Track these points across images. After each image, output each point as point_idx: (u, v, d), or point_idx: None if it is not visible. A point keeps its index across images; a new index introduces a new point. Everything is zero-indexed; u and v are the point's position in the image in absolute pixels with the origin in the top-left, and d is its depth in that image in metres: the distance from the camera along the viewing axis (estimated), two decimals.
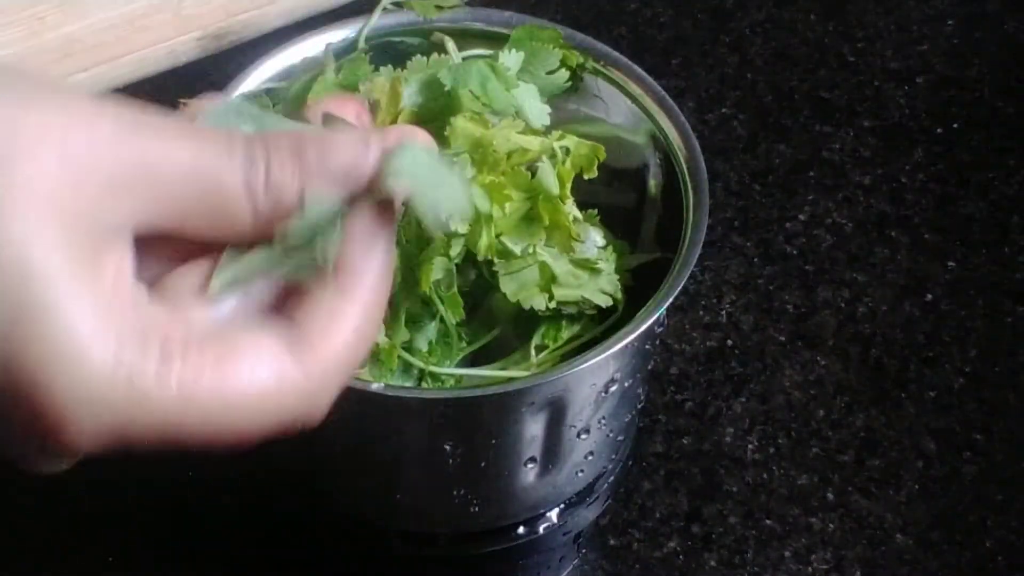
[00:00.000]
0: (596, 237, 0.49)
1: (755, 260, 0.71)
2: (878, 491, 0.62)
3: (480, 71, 0.47)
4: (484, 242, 0.45)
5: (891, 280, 0.70)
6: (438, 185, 0.32)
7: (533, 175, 0.46)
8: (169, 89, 0.75)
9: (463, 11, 0.54)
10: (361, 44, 0.52)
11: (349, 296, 0.30)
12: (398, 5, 0.53)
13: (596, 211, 0.52)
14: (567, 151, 0.48)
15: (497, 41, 0.53)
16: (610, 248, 0.49)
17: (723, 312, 0.69)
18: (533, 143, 0.46)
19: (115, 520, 0.59)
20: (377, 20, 0.53)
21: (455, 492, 0.48)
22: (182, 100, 0.46)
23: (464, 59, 0.49)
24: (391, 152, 0.31)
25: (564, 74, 0.51)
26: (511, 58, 0.49)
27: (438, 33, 0.52)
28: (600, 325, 0.49)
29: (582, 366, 0.43)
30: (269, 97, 0.50)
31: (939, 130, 0.78)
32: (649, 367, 0.51)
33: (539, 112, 0.48)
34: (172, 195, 0.29)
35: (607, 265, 0.48)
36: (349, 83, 0.48)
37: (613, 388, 0.47)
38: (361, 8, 0.54)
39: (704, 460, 0.62)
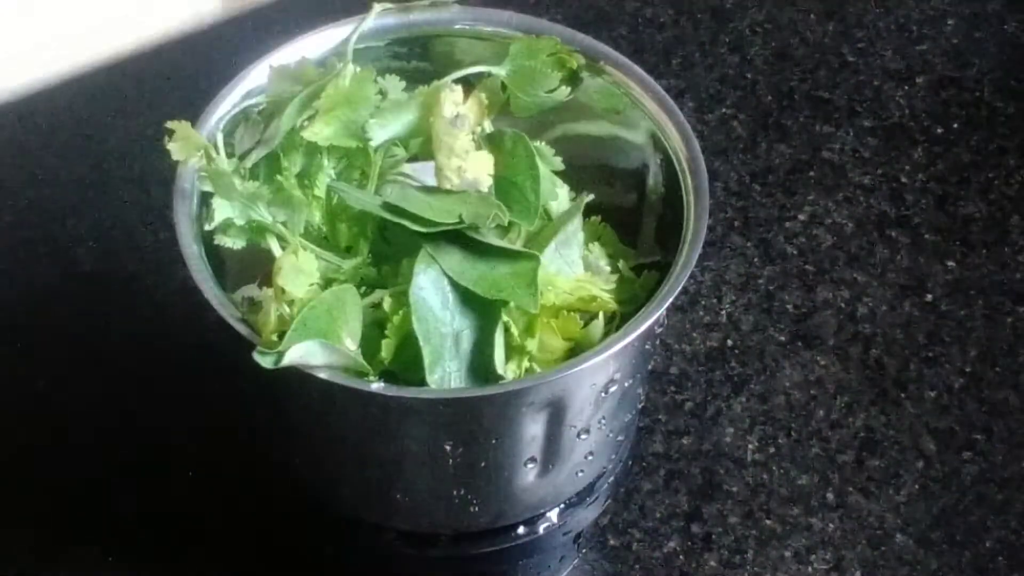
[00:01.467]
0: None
1: (755, 260, 0.71)
2: (878, 491, 0.62)
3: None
4: (513, 365, 0.46)
5: (891, 280, 0.70)
6: None
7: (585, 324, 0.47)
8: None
9: (462, 11, 0.54)
10: (351, 49, 0.51)
11: None
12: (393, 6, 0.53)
13: (603, 221, 0.52)
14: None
15: (495, 43, 0.53)
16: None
17: (723, 312, 0.69)
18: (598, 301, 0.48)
19: (115, 520, 0.59)
20: (370, 23, 0.53)
21: (455, 492, 0.48)
22: (167, 125, 0.46)
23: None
24: None
25: (564, 90, 0.51)
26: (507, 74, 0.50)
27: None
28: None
29: (582, 366, 0.43)
30: (246, 114, 0.50)
31: (939, 130, 0.78)
32: (649, 367, 0.51)
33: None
34: None
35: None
36: (356, 94, 0.48)
37: (613, 388, 0.47)
38: (349, 9, 0.53)
39: (704, 460, 0.62)
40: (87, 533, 0.59)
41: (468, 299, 0.45)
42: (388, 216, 0.46)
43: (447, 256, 0.45)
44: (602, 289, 0.48)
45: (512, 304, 0.46)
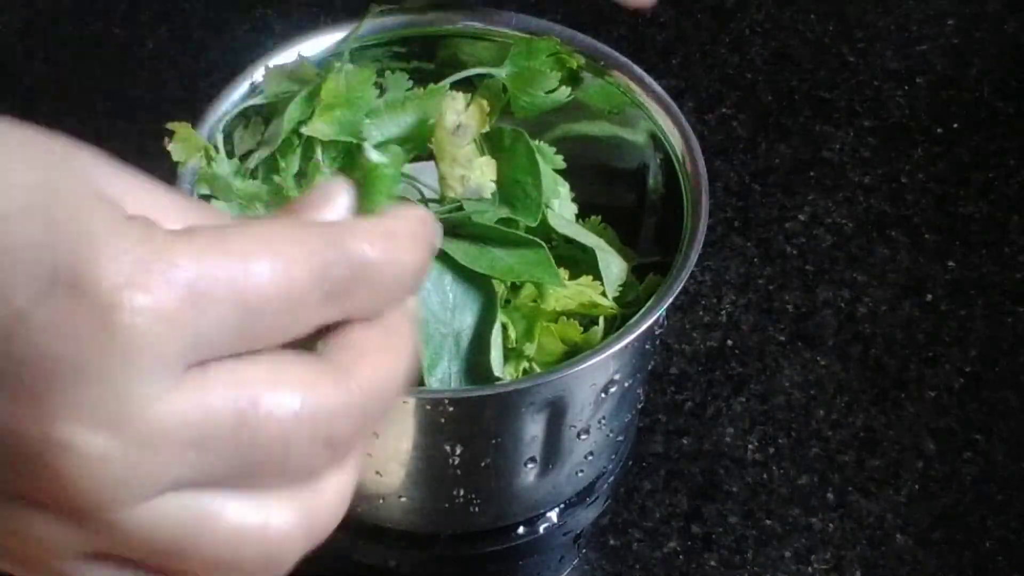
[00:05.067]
0: None
1: (755, 260, 0.71)
2: (878, 491, 0.62)
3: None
4: (511, 368, 0.46)
5: (891, 280, 0.70)
6: None
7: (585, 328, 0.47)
8: None
9: (462, 12, 0.54)
10: (348, 48, 0.51)
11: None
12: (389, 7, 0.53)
13: (600, 219, 0.52)
14: None
15: (496, 43, 0.53)
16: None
17: (723, 312, 0.69)
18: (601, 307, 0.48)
19: None
20: (369, 23, 0.52)
21: (455, 492, 0.48)
22: (167, 125, 0.46)
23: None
24: None
25: (565, 90, 0.51)
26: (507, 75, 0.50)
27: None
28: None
29: (582, 366, 0.43)
30: (246, 114, 0.50)
31: (939, 130, 0.78)
32: (649, 367, 0.51)
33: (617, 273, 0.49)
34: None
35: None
36: (355, 92, 0.48)
37: (613, 388, 0.47)
38: (349, 9, 0.53)
39: (704, 460, 0.62)
40: None
41: (468, 298, 0.45)
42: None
43: (455, 246, 0.45)
44: (602, 294, 0.48)
45: (512, 304, 0.46)
